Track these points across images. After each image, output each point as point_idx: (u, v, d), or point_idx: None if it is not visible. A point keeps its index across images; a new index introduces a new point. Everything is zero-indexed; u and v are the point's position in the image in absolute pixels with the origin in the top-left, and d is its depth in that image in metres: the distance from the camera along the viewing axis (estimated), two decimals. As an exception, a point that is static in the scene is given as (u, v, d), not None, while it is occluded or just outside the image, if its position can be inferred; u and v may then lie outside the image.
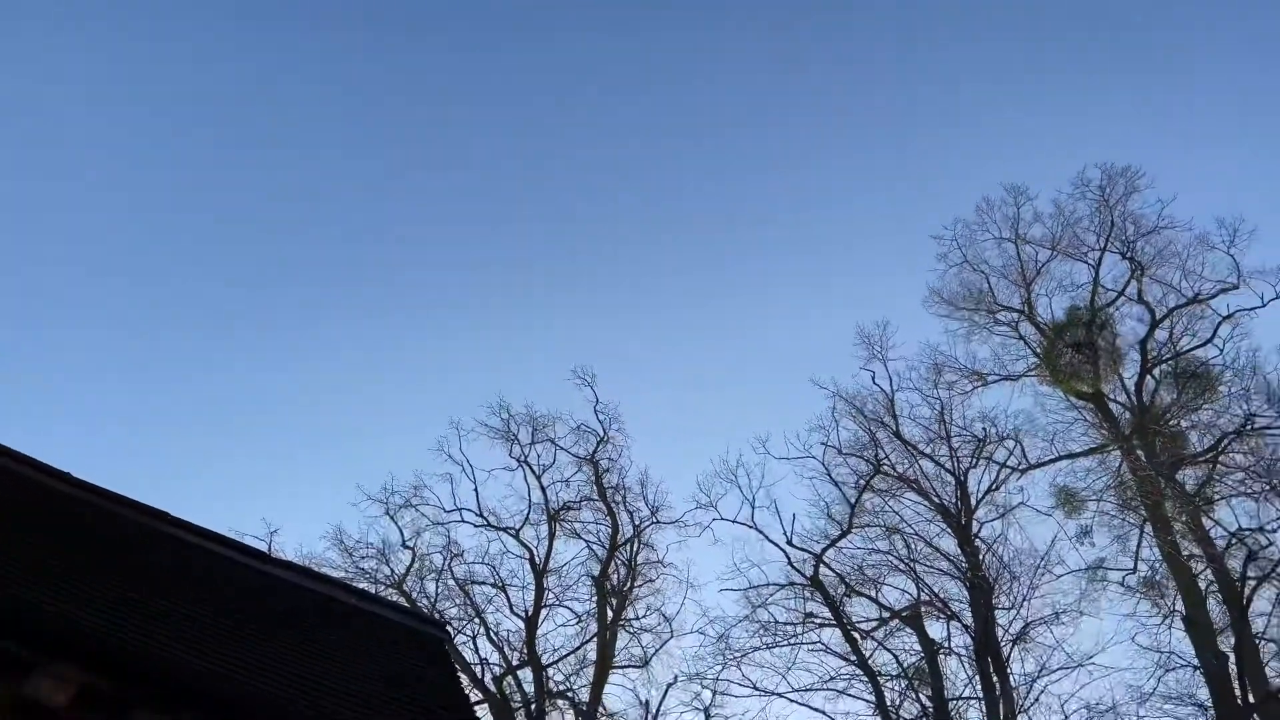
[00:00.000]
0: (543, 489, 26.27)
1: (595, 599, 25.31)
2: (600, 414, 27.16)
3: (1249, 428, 23.24)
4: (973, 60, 42.30)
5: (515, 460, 26.54)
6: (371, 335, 42.26)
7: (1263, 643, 21.75)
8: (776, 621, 23.83)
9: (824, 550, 24.20)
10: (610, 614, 25.13)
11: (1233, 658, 20.91)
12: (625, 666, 25.04)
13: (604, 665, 24.42)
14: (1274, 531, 22.53)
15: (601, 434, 27.04)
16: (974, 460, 25.80)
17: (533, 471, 26.47)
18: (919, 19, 41.72)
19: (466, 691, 23.27)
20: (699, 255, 45.21)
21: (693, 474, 26.00)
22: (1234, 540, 22.59)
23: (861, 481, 25.33)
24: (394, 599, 23.18)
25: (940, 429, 26.15)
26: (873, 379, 26.64)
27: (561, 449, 26.85)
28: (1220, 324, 24.74)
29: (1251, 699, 20.46)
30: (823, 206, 44.77)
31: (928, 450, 25.96)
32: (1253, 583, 21.56)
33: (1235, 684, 20.69)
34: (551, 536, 25.83)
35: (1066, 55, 42.59)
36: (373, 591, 21.60)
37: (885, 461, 25.79)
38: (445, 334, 43.73)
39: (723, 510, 25.18)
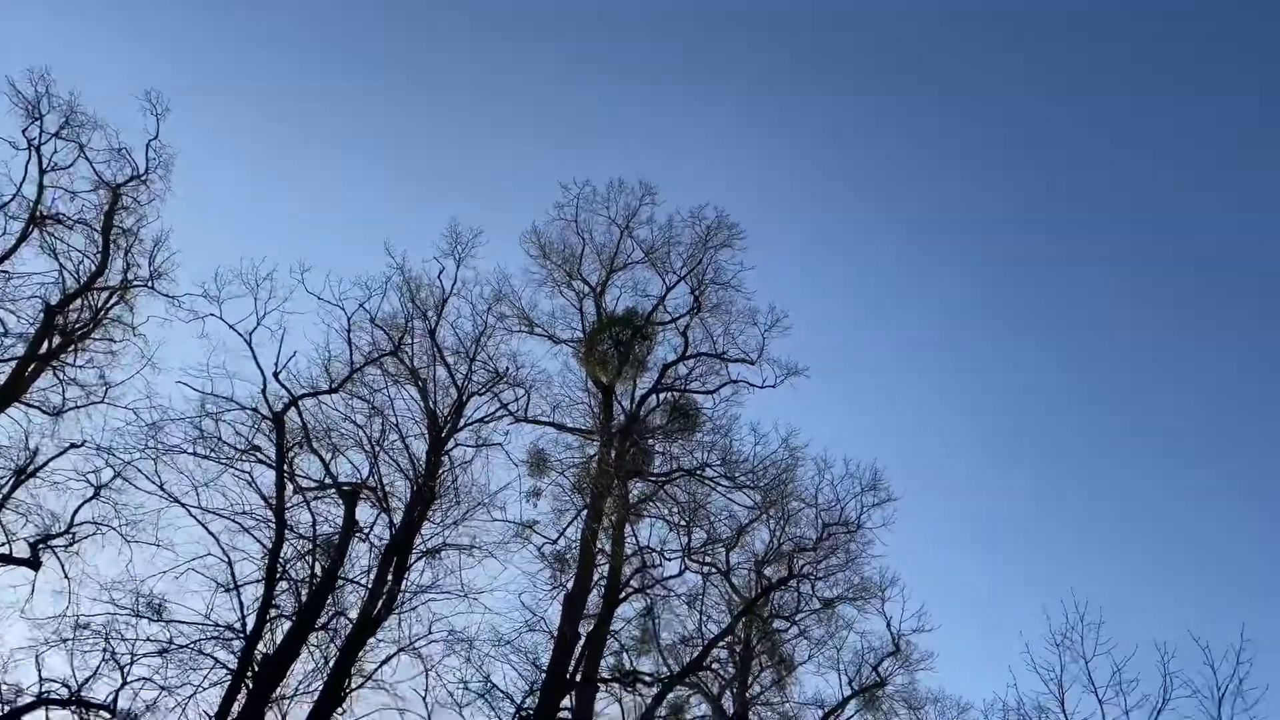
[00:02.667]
0: (41, 186, 22.62)
1: (39, 326, 22.30)
2: (152, 150, 24.12)
3: (697, 473, 26.64)
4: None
5: (27, 140, 22.61)
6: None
7: (611, 638, 24.95)
8: (219, 438, 22.73)
9: (303, 396, 23.56)
10: (47, 348, 22.29)
11: (583, 641, 23.73)
12: (34, 407, 22.42)
13: (9, 394, 21.59)
14: (670, 560, 26.08)
15: (141, 170, 24.01)
16: (483, 389, 26.75)
17: (40, 163, 22.71)
18: None
19: None
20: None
21: (220, 264, 23.82)
22: (639, 552, 25.76)
23: (374, 355, 25.09)
24: None
25: (471, 348, 26.74)
26: (439, 273, 26.59)
27: (87, 159, 23.39)
28: (725, 385, 28.16)
29: (578, 679, 23.31)
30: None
31: (450, 360, 26.41)
32: (631, 589, 24.81)
33: (573, 663, 23.47)
34: (22, 239, 22.31)
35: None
36: None
37: (407, 350, 25.80)
38: None
39: (226, 311, 23.50)
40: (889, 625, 25.97)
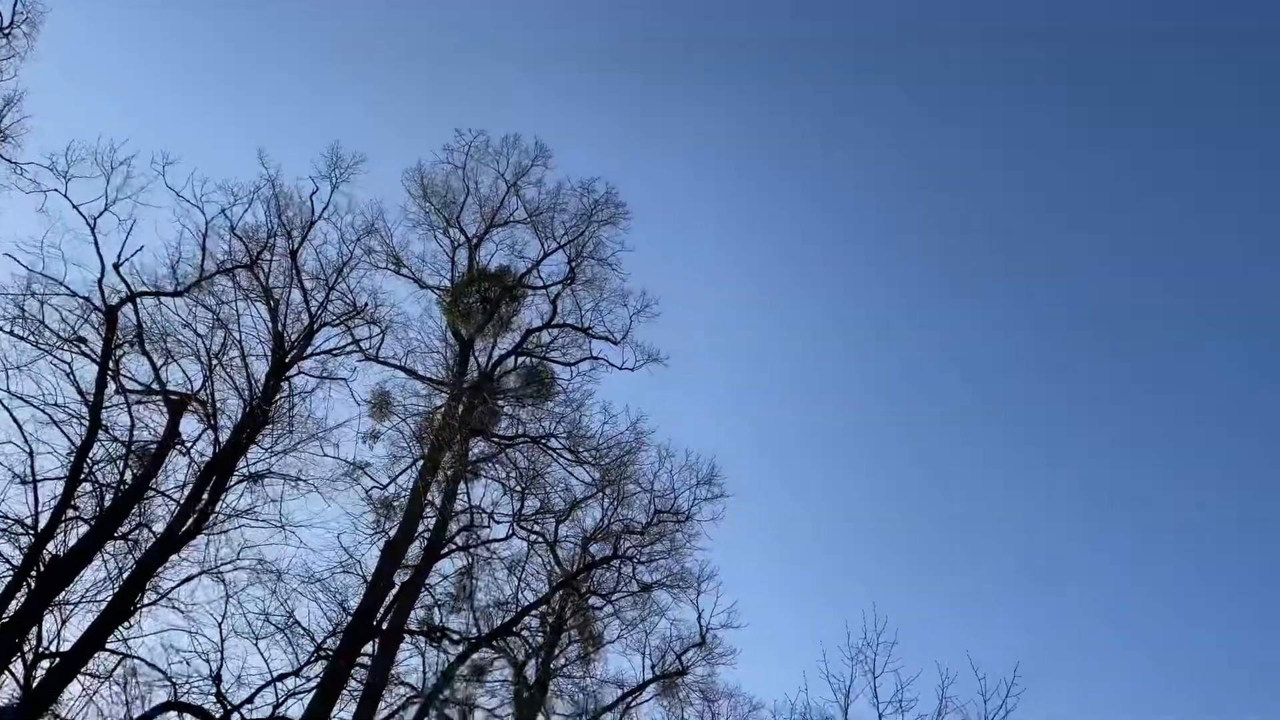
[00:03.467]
0: (-118, 17, 20.59)
1: None
2: (20, 3, 22.21)
3: (542, 442, 26.62)
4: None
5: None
6: None
7: (425, 592, 24.68)
8: (42, 321, 21.26)
9: (142, 294, 22.27)
10: None
11: (397, 590, 23.40)
12: None
13: None
14: (499, 523, 25.95)
15: (5, 22, 22.04)
16: (337, 321, 25.92)
17: (-115, -9, 20.67)
18: None
19: None
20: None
21: (74, 140, 22.11)
22: (469, 510, 25.56)
23: (228, 264, 23.97)
24: None
25: (332, 276, 25.84)
26: (312, 194, 25.58)
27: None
28: (585, 359, 28.19)
29: (384, 626, 22.97)
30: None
31: (307, 284, 25.44)
32: (454, 546, 24.63)
33: (383, 611, 23.10)
34: None
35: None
36: None
37: (263, 266, 24.72)
38: None
39: (72, 190, 21.85)
40: (700, 617, 26.62)
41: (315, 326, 25.12)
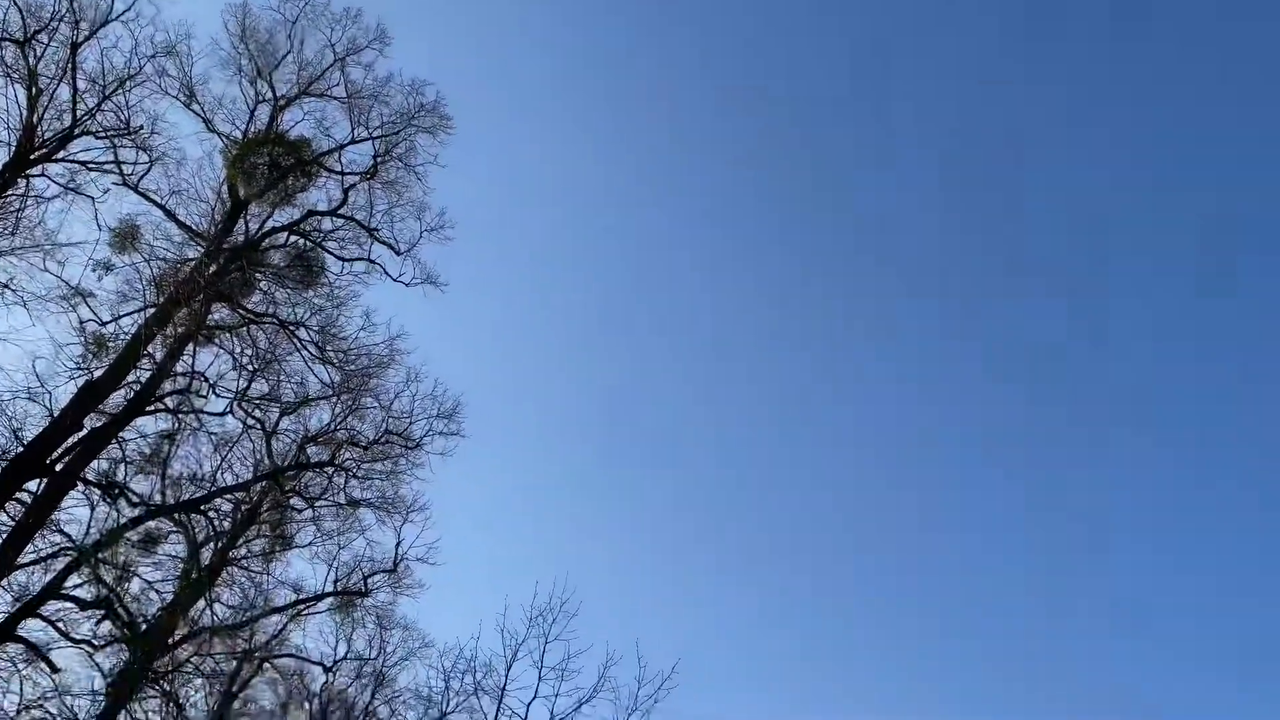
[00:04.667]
0: None
1: None
2: None
3: (290, 328, 25.42)
4: None
5: None
6: None
7: (116, 445, 22.87)
8: None
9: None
10: None
11: (85, 434, 21.56)
12: None
13: None
14: (219, 397, 24.53)
15: None
16: (104, 134, 23.69)
17: None
18: None
19: None
20: None
21: None
22: (190, 374, 23.98)
23: (18, 35, 21.28)
24: None
25: (111, 85, 23.43)
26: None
27: None
28: (361, 260, 26.99)
29: (58, 469, 21.11)
30: None
31: (81, 84, 22.87)
32: (163, 407, 23.10)
33: (61, 453, 21.25)
34: None
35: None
36: None
37: (35, 46, 22.12)
38: None
39: None
40: (399, 545, 26.32)
41: (76, 132, 22.78)
